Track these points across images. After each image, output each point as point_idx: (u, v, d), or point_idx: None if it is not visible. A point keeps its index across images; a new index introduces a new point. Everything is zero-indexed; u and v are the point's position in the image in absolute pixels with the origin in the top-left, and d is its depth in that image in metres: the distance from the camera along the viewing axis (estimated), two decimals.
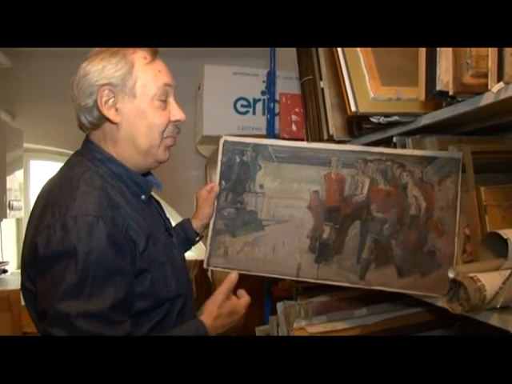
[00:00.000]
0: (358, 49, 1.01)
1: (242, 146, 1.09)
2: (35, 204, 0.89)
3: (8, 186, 2.63)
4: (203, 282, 2.54)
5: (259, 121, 2.03)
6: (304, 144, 1.10)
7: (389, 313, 1.17)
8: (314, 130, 1.42)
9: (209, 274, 2.52)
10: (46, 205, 0.83)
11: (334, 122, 1.34)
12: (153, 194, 1.01)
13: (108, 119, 0.87)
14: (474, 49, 0.80)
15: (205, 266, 1.08)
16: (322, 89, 1.38)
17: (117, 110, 0.87)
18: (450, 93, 0.82)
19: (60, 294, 0.73)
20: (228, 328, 0.96)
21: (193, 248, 1.25)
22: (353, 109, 1.03)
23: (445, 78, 0.84)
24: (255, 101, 2.03)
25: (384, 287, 1.00)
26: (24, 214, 2.98)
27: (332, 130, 1.33)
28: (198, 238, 1.20)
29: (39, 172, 3.31)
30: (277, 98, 1.79)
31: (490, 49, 0.79)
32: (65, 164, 0.93)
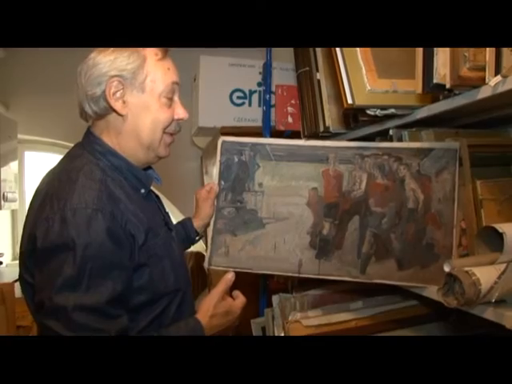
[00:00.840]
0: None
1: (240, 146, 1.10)
2: (35, 195, 0.89)
3: (2, 177, 2.61)
4: (199, 274, 2.55)
5: (255, 112, 2.02)
6: (301, 142, 1.10)
7: (384, 306, 1.17)
8: (310, 122, 1.41)
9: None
10: (45, 196, 0.83)
11: (330, 114, 1.33)
12: (152, 188, 1.01)
13: (115, 110, 0.88)
14: None
15: (206, 265, 1.09)
16: (319, 80, 1.37)
17: (124, 102, 0.88)
18: (447, 86, 0.81)
19: (57, 287, 0.74)
20: (223, 328, 0.96)
21: None
22: (349, 101, 1.02)
23: (442, 71, 0.83)
24: (251, 92, 2.02)
25: (385, 280, 1.01)
26: (19, 206, 2.96)
27: (328, 122, 1.32)
28: (197, 238, 1.20)
29: (34, 163, 3.29)
30: (273, 89, 1.78)
31: None
32: (65, 156, 0.93)
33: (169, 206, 2.77)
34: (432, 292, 0.97)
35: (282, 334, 1.17)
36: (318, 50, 1.37)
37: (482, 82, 0.80)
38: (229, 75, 1.99)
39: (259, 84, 2.01)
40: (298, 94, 1.50)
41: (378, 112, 1.00)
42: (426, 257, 0.99)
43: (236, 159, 1.10)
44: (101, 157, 0.89)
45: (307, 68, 1.41)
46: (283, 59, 1.91)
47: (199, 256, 2.51)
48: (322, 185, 1.06)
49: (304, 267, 1.05)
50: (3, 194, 2.63)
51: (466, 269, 0.81)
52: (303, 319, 1.12)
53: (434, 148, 1.00)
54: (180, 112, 0.94)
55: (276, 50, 1.85)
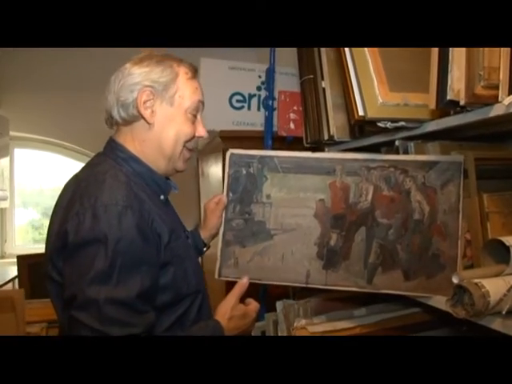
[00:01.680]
0: (367, 52, 1.01)
1: (248, 158, 1.11)
2: (59, 199, 0.92)
3: None
4: None
5: (254, 116, 2.02)
6: (308, 154, 1.12)
7: (387, 313, 1.19)
8: (313, 129, 1.42)
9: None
10: (72, 196, 0.86)
11: (334, 123, 1.34)
12: None
13: (143, 118, 0.92)
14: (486, 60, 0.81)
15: (216, 276, 1.10)
16: (324, 89, 1.38)
17: (153, 112, 0.92)
18: (462, 102, 0.83)
19: (89, 280, 0.75)
20: (240, 331, 0.99)
21: None
22: (360, 113, 1.03)
23: (456, 87, 0.85)
24: (250, 96, 2.02)
25: (391, 290, 1.03)
26: (9, 204, 2.91)
27: (333, 131, 1.34)
28: (205, 249, 1.21)
29: (24, 160, 3.23)
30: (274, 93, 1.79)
31: (501, 61, 0.80)
32: (87, 164, 0.97)
33: None
34: (437, 301, 0.99)
35: None
36: (324, 57, 1.38)
37: (494, 100, 0.82)
38: (228, 78, 1.99)
39: (259, 88, 2.01)
40: (301, 100, 1.51)
41: (389, 125, 1.02)
42: (432, 267, 1.01)
43: (244, 171, 1.11)
44: (123, 163, 0.92)
45: (311, 76, 1.43)
46: (284, 64, 1.92)
47: None
48: (329, 196, 1.08)
49: (311, 278, 1.07)
50: None
51: (476, 281, 0.84)
52: (309, 326, 1.14)
53: (440, 161, 1.03)
54: (201, 130, 0.99)
55: (277, 55, 1.86)
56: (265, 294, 1.74)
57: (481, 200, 0.98)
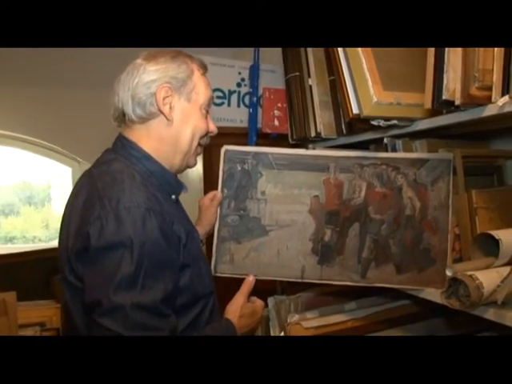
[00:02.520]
0: (361, 53, 1.03)
1: (243, 155, 1.11)
2: (72, 199, 0.90)
3: None
4: None
5: (234, 113, 2.01)
6: (303, 151, 1.13)
7: (377, 306, 1.23)
8: (299, 126, 1.43)
9: None
10: (89, 197, 0.83)
11: (321, 120, 1.36)
12: None
13: (163, 114, 0.90)
14: (480, 62, 0.85)
15: (212, 273, 1.09)
16: (310, 86, 1.40)
17: (171, 108, 0.91)
18: (457, 102, 0.87)
19: (115, 285, 0.73)
20: (249, 329, 0.99)
21: None
22: (355, 111, 1.05)
23: (451, 87, 0.88)
24: (230, 92, 2.01)
25: (384, 284, 1.06)
26: None
27: (320, 128, 1.36)
28: (201, 245, 1.20)
29: None
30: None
31: (495, 63, 0.84)
32: (98, 161, 0.94)
33: None
34: (428, 294, 1.03)
35: (282, 335, 1.20)
36: (311, 56, 1.39)
37: (488, 100, 0.86)
38: (208, 74, 1.96)
39: (239, 84, 2.00)
40: (286, 98, 1.52)
41: (382, 123, 1.04)
42: (423, 261, 1.04)
43: (239, 168, 1.11)
44: (136, 161, 0.90)
45: (298, 73, 1.44)
46: (265, 60, 1.92)
47: None
48: (323, 193, 1.09)
49: (307, 273, 1.08)
50: None
51: (470, 273, 0.88)
52: (303, 321, 1.15)
53: (430, 158, 1.06)
54: (212, 126, 0.99)
55: (259, 52, 1.86)
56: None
57: (470, 196, 1.03)
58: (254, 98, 1.71)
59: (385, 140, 1.16)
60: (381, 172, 1.08)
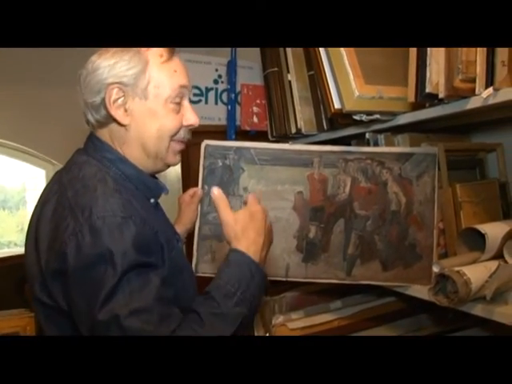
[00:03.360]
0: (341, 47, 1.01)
1: (224, 150, 1.07)
2: (41, 205, 0.82)
3: None
4: None
5: (212, 110, 1.97)
6: (286, 146, 1.10)
7: (363, 304, 1.21)
8: (279, 123, 1.41)
9: None
10: (58, 207, 0.76)
11: (302, 116, 1.34)
12: None
13: (116, 119, 0.81)
14: (464, 54, 0.84)
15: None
16: (290, 82, 1.37)
17: (126, 110, 0.81)
18: (441, 95, 0.85)
19: (102, 300, 0.67)
20: (264, 239, 0.82)
21: None
22: (337, 106, 1.03)
23: (434, 81, 0.87)
24: (207, 89, 1.96)
25: (370, 281, 1.04)
26: None
27: (300, 124, 1.33)
28: (180, 244, 1.14)
29: None
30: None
31: (478, 55, 0.83)
32: (68, 163, 0.85)
33: None
34: (415, 290, 1.02)
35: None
36: (289, 50, 1.36)
37: (471, 93, 0.84)
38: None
39: (215, 81, 1.96)
40: (265, 94, 1.49)
41: (364, 117, 1.02)
42: (409, 257, 1.03)
43: (220, 163, 1.07)
44: (110, 165, 0.82)
45: (276, 68, 1.41)
46: (242, 56, 1.89)
47: None
48: (307, 189, 1.07)
49: (291, 271, 1.06)
50: None
51: (457, 269, 0.86)
52: (288, 322, 1.13)
53: (415, 153, 1.05)
54: (190, 117, 0.87)
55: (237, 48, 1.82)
56: None
57: (454, 190, 1.02)
58: (232, 95, 1.67)
59: (367, 135, 1.14)
60: (365, 167, 1.06)
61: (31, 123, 2.63)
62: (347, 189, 1.07)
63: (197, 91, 1.95)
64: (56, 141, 2.55)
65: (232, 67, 1.66)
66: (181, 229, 1.10)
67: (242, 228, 0.80)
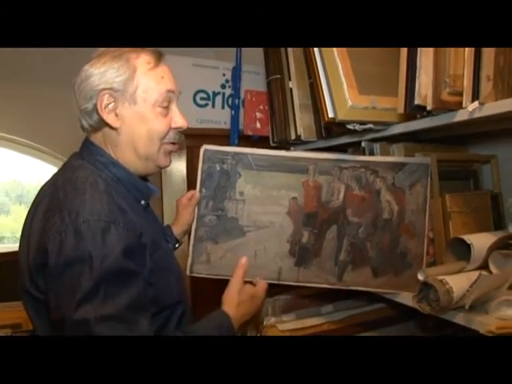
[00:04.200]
0: (337, 56, 1.03)
1: (222, 155, 1.10)
2: (34, 206, 0.87)
3: None
4: None
5: (218, 114, 2.01)
6: (282, 153, 1.12)
7: (353, 309, 1.23)
8: (280, 129, 1.44)
9: None
10: (50, 207, 0.81)
11: (301, 123, 1.37)
12: None
13: (107, 124, 0.87)
14: (451, 68, 0.86)
15: (188, 273, 1.08)
16: (291, 89, 1.40)
17: (117, 114, 0.87)
18: (428, 108, 0.88)
19: (76, 302, 0.72)
20: (251, 315, 0.97)
21: None
22: (330, 115, 1.05)
23: (423, 93, 0.89)
24: (215, 94, 2.00)
25: (361, 287, 1.06)
26: None
27: (300, 131, 1.36)
28: (177, 245, 1.19)
29: None
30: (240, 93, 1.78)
31: (465, 69, 0.85)
32: (64, 166, 0.91)
33: None
34: (404, 297, 1.04)
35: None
36: (291, 58, 1.39)
37: (459, 106, 0.86)
38: (192, 76, 1.96)
39: (223, 86, 2.00)
40: (267, 100, 1.52)
41: (357, 127, 1.05)
42: (400, 265, 1.05)
43: (218, 168, 1.10)
44: (103, 168, 0.88)
45: (279, 75, 1.44)
46: (248, 61, 1.92)
47: None
48: (302, 195, 1.09)
49: (284, 274, 1.08)
50: None
51: (440, 277, 0.88)
52: (278, 323, 1.16)
53: (408, 162, 1.07)
54: (178, 120, 0.92)
55: (242, 53, 1.86)
56: None
57: (443, 200, 1.03)
58: (236, 100, 1.70)
59: (362, 143, 1.16)
60: (360, 175, 1.09)
61: (47, 122, 2.70)
62: (341, 196, 1.09)
63: (204, 95, 1.99)
64: (72, 141, 2.61)
65: (236, 72, 1.69)
66: (178, 230, 1.14)
67: (241, 301, 0.95)
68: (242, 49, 1.88)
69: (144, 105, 0.87)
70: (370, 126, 1.05)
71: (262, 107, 1.63)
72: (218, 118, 2.01)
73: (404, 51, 0.92)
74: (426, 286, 0.90)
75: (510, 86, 0.76)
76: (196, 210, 1.11)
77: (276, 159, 1.11)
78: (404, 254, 1.05)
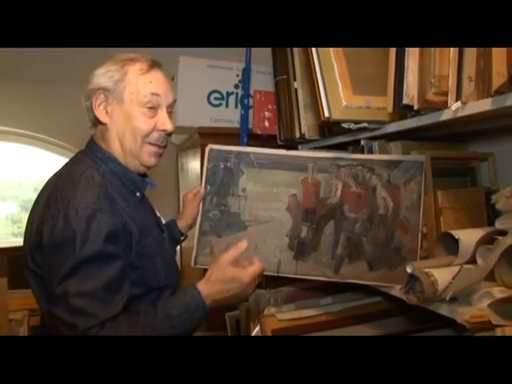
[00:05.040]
0: (333, 57, 1.08)
1: (226, 154, 1.17)
2: (41, 193, 0.99)
3: None
4: None
5: (232, 114, 2.07)
6: (283, 152, 1.18)
7: (352, 301, 1.28)
8: (286, 128, 1.49)
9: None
10: (50, 195, 0.92)
11: (305, 122, 1.41)
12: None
13: (98, 118, 0.98)
14: (437, 69, 0.89)
15: (192, 264, 1.15)
16: (296, 89, 1.45)
17: (107, 112, 0.98)
18: (415, 107, 0.91)
19: (60, 277, 0.83)
20: (230, 296, 0.97)
21: None
22: (326, 115, 1.11)
23: (411, 93, 0.93)
24: (228, 94, 2.07)
25: (356, 280, 1.11)
26: None
27: (304, 130, 1.41)
28: (182, 238, 1.27)
29: (1, 153, 3.20)
30: (250, 92, 1.84)
31: (450, 70, 0.88)
32: (69, 161, 1.03)
33: None
34: (398, 291, 1.07)
35: (258, 327, 1.25)
36: (296, 59, 1.44)
37: (444, 105, 0.90)
38: (207, 76, 2.03)
39: (236, 86, 2.06)
40: (275, 100, 1.58)
41: (352, 126, 1.09)
42: (394, 259, 1.09)
43: (222, 165, 1.17)
44: (101, 163, 0.99)
45: (285, 76, 1.49)
46: (259, 62, 1.97)
47: None
48: (301, 191, 1.15)
49: (282, 267, 1.13)
50: None
51: (426, 270, 0.92)
52: (277, 313, 1.21)
53: (403, 160, 1.11)
54: (163, 123, 1.01)
55: (254, 54, 1.91)
56: None
57: (435, 196, 1.07)
58: (246, 100, 1.76)
59: (361, 142, 1.20)
60: (356, 173, 1.13)
61: (66, 120, 2.77)
62: (338, 193, 1.14)
63: (218, 95, 2.06)
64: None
65: (246, 74, 1.75)
66: (183, 224, 1.22)
67: (217, 279, 0.96)
68: (254, 49, 1.93)
69: (131, 105, 0.98)
70: (365, 124, 1.09)
71: (270, 107, 1.68)
72: (232, 117, 2.07)
73: (393, 52, 0.96)
74: (412, 278, 0.94)
75: (490, 87, 0.79)
76: (201, 206, 1.18)
77: (276, 158, 1.16)
78: (398, 249, 1.09)
